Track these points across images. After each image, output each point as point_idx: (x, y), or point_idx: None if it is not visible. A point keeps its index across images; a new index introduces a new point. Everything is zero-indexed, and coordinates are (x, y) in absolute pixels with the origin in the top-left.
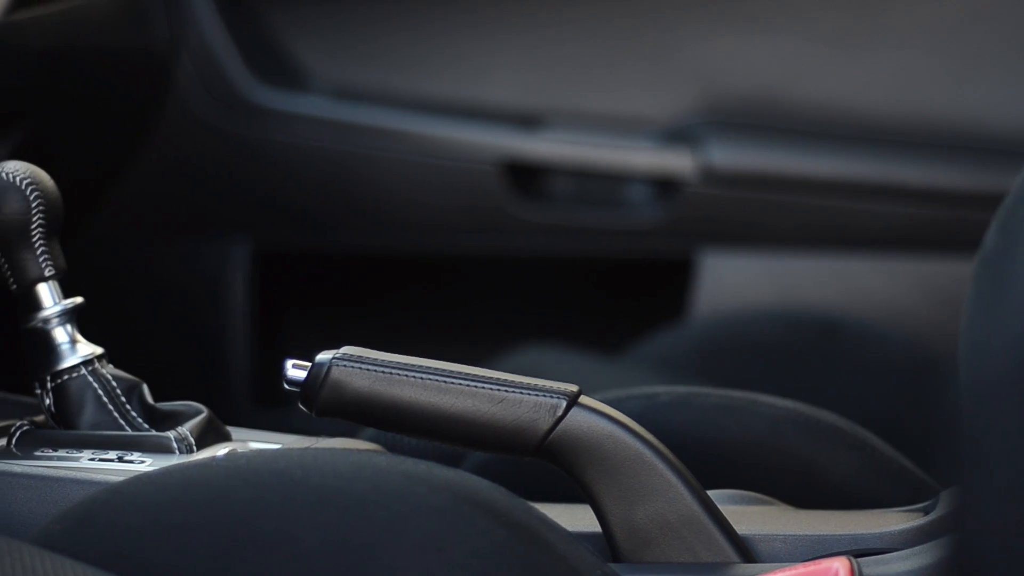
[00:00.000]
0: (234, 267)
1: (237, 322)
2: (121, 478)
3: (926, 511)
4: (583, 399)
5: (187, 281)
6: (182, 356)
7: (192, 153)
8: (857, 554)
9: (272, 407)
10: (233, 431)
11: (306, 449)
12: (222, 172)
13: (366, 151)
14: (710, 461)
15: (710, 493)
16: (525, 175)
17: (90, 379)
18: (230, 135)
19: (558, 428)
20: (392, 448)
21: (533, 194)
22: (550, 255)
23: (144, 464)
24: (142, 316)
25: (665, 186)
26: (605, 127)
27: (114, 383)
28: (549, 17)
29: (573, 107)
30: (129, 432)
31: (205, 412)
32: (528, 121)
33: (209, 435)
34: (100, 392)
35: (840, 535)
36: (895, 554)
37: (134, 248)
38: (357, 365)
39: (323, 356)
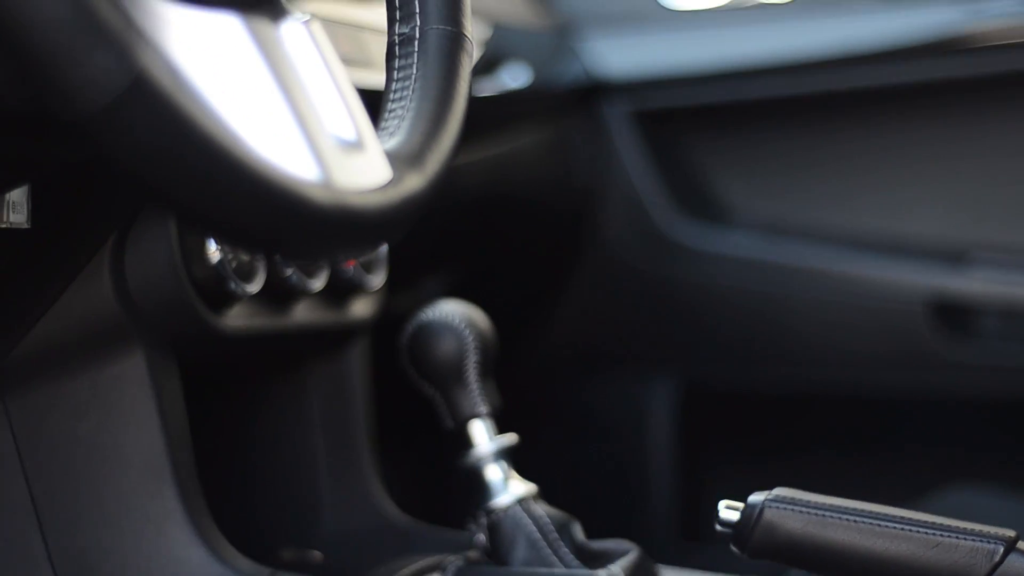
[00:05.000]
0: (658, 403)
1: (662, 457)
2: None
3: None
4: (1021, 544)
5: (614, 416)
6: (608, 490)
7: (616, 290)
8: None
9: (695, 543)
10: (662, 569)
11: None
12: (645, 309)
13: (789, 291)
14: None
15: None
16: (953, 313)
17: (523, 516)
18: (653, 273)
19: (995, 574)
20: None
21: (961, 333)
22: (979, 396)
23: None
24: (571, 450)
25: None
26: None
27: (546, 520)
28: (974, 148)
29: (1004, 240)
30: (561, 570)
31: (635, 551)
32: (956, 256)
33: (639, 575)
34: (533, 529)
35: None
36: None
37: (562, 384)
38: (791, 507)
39: (756, 497)
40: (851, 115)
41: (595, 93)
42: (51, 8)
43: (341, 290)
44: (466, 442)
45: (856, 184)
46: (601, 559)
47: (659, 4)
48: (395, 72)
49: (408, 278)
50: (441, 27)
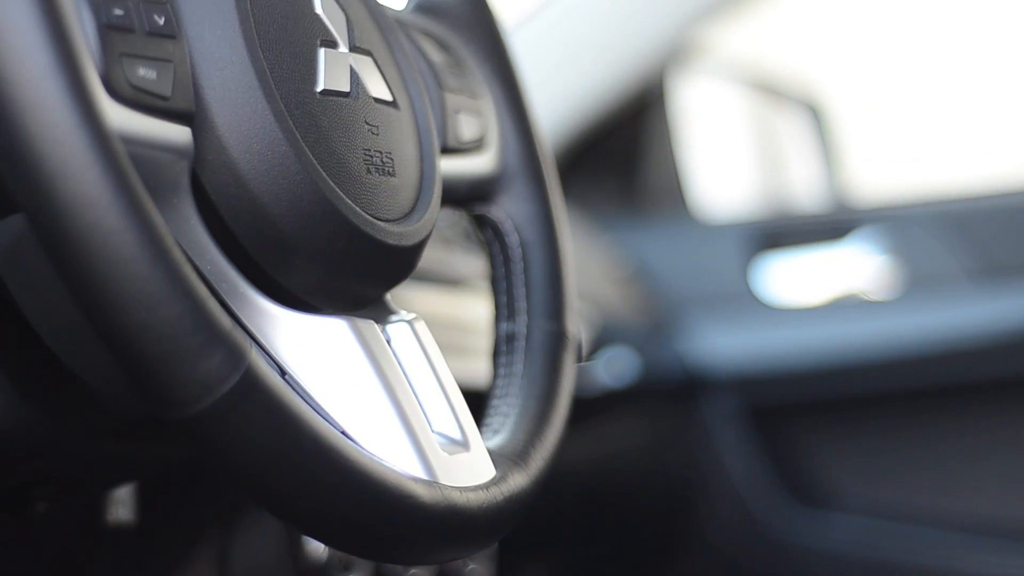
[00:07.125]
0: None
1: None
2: None
3: None
4: None
5: None
6: None
7: None
8: None
9: None
10: None
11: None
12: None
13: None
14: None
15: None
16: None
17: None
18: (755, 570)
19: None
20: None
21: None
22: None
23: None
24: None
25: None
26: None
27: None
28: None
29: None
30: None
31: None
32: None
33: None
34: None
35: None
36: None
37: None
38: None
39: None
40: (955, 406)
41: (696, 390)
42: (165, 311)
43: None
44: None
45: (962, 472)
46: None
47: (760, 301)
48: (500, 369)
49: (512, 570)
50: (547, 325)
